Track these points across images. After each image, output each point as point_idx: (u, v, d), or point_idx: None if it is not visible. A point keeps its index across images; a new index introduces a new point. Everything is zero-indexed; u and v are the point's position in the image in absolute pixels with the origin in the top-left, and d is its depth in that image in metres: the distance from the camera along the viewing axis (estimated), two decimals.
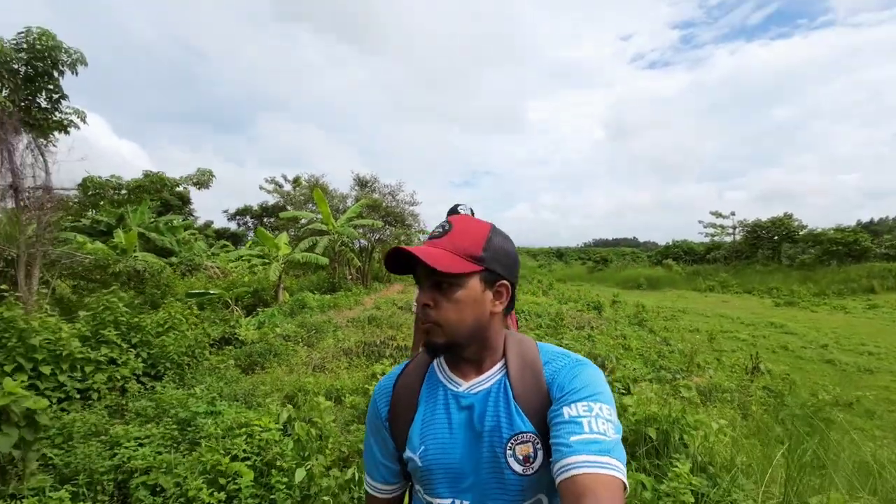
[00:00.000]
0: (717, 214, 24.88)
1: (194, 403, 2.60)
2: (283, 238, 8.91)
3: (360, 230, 11.65)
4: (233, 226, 28.70)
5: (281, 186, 22.68)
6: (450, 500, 0.81)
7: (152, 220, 13.56)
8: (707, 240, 25.90)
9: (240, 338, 4.90)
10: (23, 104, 6.87)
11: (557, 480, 0.69)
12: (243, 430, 2.18)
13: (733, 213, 24.61)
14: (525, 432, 0.79)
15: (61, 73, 7.00)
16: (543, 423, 0.79)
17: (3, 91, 6.58)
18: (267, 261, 10.49)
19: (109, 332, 3.26)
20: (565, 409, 0.74)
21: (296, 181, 22.13)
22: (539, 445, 0.78)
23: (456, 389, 0.86)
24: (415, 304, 2.56)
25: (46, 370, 2.72)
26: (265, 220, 24.80)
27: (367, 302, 8.73)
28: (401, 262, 0.84)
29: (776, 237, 23.06)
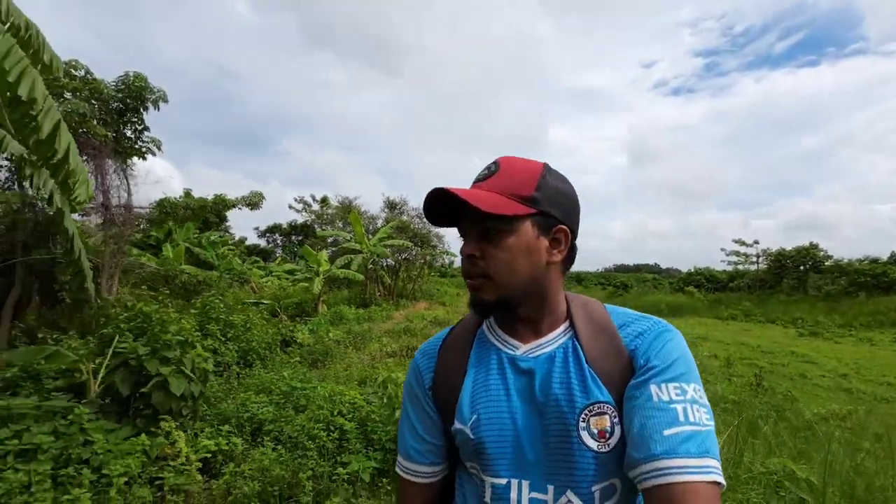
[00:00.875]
0: (741, 243, 25.04)
1: (289, 381, 3.40)
2: (324, 255, 9.84)
3: (390, 249, 12.56)
4: (262, 242, 30.19)
5: (309, 206, 24.05)
6: (506, 480, 0.71)
7: (196, 235, 14.78)
8: (730, 268, 26.00)
9: (298, 340, 5.72)
10: (113, 135, 8.10)
11: (646, 482, 0.60)
12: (337, 398, 2.95)
13: (757, 242, 24.73)
14: (602, 402, 0.69)
15: (146, 108, 8.25)
16: (620, 392, 0.70)
17: (101, 124, 7.82)
18: (292, 276, 11.39)
19: (213, 326, 4.11)
20: (654, 390, 0.65)
21: (323, 201, 23.44)
22: (617, 419, 0.68)
23: (513, 352, 0.77)
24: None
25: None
26: (293, 237, 26.13)
27: (396, 317, 9.50)
28: (441, 211, 0.75)
29: (801, 267, 23.08)
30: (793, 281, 23.17)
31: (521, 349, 0.76)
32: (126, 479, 2.05)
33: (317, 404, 2.95)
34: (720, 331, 17.94)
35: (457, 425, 0.75)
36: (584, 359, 0.72)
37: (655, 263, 51.16)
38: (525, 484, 0.70)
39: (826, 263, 22.67)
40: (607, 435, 0.67)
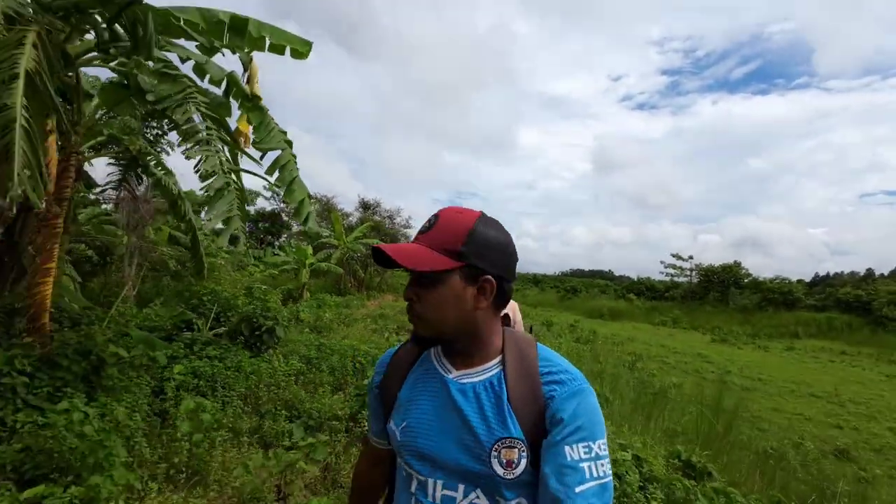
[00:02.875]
0: (678, 256, 28.75)
1: (308, 342, 5.47)
2: (310, 249, 11.65)
3: (363, 246, 14.54)
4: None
5: (278, 195, 25.34)
6: (424, 478, 0.86)
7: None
8: (668, 279, 29.74)
9: (301, 318, 7.70)
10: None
11: None
12: (352, 349, 5.05)
13: (691, 257, 28.49)
14: (514, 438, 0.80)
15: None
16: (533, 432, 0.80)
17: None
18: (280, 267, 13.14)
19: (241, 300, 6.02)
20: (567, 451, 0.77)
21: None
22: (525, 453, 0.80)
23: (446, 375, 0.89)
24: None
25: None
26: (260, 224, 27.16)
27: (369, 305, 11.56)
28: (386, 256, 0.84)
29: (725, 282, 26.92)
30: (717, 294, 26.94)
31: (454, 374, 0.88)
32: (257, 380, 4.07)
33: (341, 352, 5.04)
34: (648, 334, 21.04)
35: (390, 425, 0.92)
36: (505, 397, 0.82)
37: (609, 270, 55.42)
38: (439, 483, 0.84)
39: (745, 280, 26.61)
40: (514, 465, 0.79)
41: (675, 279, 29.32)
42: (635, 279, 34.19)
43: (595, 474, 0.76)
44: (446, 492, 0.84)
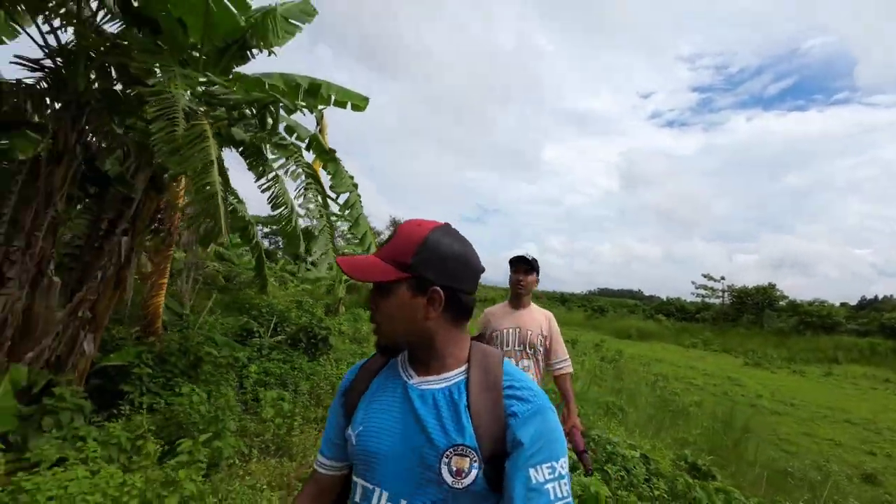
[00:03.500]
0: (709, 277, 28.44)
1: (353, 351, 6.18)
2: None
3: None
4: (266, 242, 32.66)
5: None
6: (371, 486, 0.86)
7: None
8: (699, 300, 29.37)
9: (342, 330, 8.51)
10: None
11: None
12: None
13: (723, 278, 28.15)
14: (467, 446, 0.81)
15: None
16: (490, 444, 0.82)
17: None
18: (318, 283, 14.05)
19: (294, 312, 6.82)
20: (532, 473, 0.79)
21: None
22: (476, 464, 0.81)
23: (408, 381, 0.91)
24: None
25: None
26: None
27: None
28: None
29: (759, 304, 26.42)
30: (751, 316, 26.42)
31: (415, 380, 0.90)
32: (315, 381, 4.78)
33: None
34: (678, 356, 20.86)
35: (348, 431, 0.93)
36: (464, 404, 0.84)
37: (639, 290, 54.68)
38: (384, 494, 0.84)
39: (780, 303, 26.05)
40: (463, 474, 0.80)
41: (707, 300, 28.95)
42: (665, 299, 33.85)
43: (559, 495, 0.79)
44: None
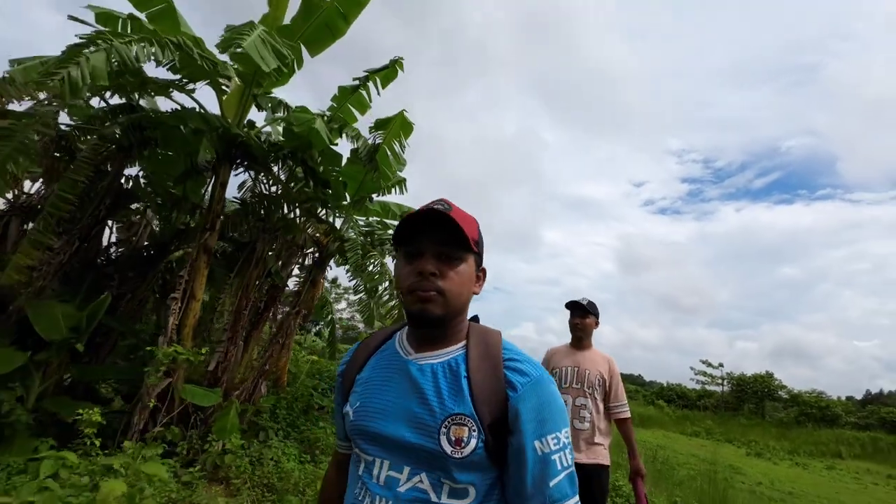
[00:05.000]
0: (707, 363, 29.46)
1: None
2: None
3: None
4: None
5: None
6: (372, 458, 0.90)
7: None
8: (699, 387, 30.11)
9: None
10: None
11: None
12: None
13: (721, 365, 29.15)
14: (465, 415, 0.84)
15: None
16: (491, 413, 0.85)
17: None
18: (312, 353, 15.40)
19: None
20: (537, 444, 0.84)
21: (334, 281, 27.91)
22: (475, 433, 0.84)
23: (406, 357, 0.95)
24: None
25: None
26: None
27: None
28: (406, 228, 0.93)
29: (759, 393, 27.26)
30: (752, 405, 27.10)
31: (413, 356, 0.95)
32: None
33: None
34: (680, 444, 21.19)
35: (346, 408, 0.98)
36: (463, 374, 0.88)
37: (639, 374, 54.69)
38: (385, 463, 0.88)
39: (780, 392, 26.93)
40: (462, 444, 0.82)
41: (707, 387, 29.71)
42: (665, 384, 34.40)
43: (564, 464, 0.85)
44: (391, 473, 0.87)
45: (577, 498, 0.87)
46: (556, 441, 0.85)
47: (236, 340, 4.86)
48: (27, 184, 5.34)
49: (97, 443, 3.14)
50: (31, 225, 5.24)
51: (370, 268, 4.93)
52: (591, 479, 2.81)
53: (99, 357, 4.84)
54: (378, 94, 5.03)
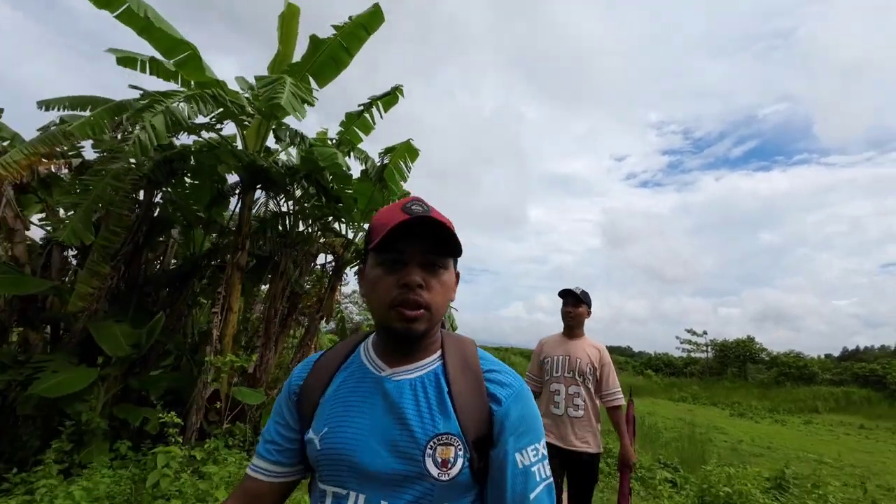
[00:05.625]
0: (692, 332, 31.04)
1: None
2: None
3: None
4: None
5: None
6: (346, 492, 0.80)
7: None
8: (685, 354, 31.78)
9: None
10: None
11: None
12: None
13: (705, 332, 30.75)
14: (451, 434, 0.79)
15: None
16: (474, 429, 0.81)
17: None
18: None
19: None
20: (517, 457, 0.82)
21: None
22: (461, 452, 0.79)
23: (378, 374, 0.87)
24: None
25: None
26: None
27: None
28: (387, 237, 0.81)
29: (742, 357, 28.95)
30: (735, 369, 28.79)
31: (387, 371, 0.86)
32: None
33: None
34: (668, 410, 22.62)
35: (309, 434, 0.86)
36: (446, 390, 0.83)
37: (628, 346, 56.65)
38: (361, 497, 0.79)
39: (761, 355, 28.63)
40: (449, 465, 0.77)
41: (693, 354, 31.35)
42: (653, 355, 36.06)
43: (543, 476, 0.84)
44: None
45: None
46: (535, 453, 0.85)
47: (269, 345, 5.57)
48: (61, 211, 5.88)
49: (179, 440, 3.84)
50: (71, 252, 5.82)
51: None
52: (581, 465, 2.94)
53: (147, 367, 5.50)
54: (381, 117, 5.67)
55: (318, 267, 6.52)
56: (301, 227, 6.06)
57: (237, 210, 5.51)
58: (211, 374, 4.82)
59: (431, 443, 0.79)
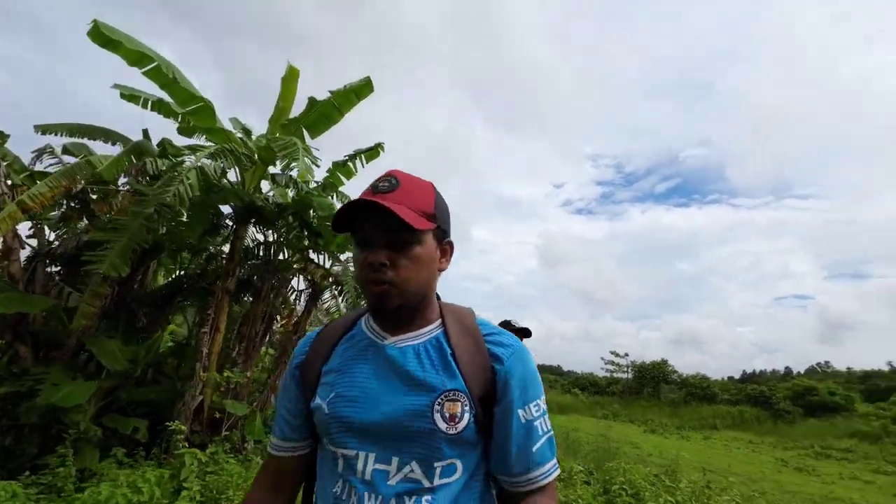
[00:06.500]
0: (615, 354, 33.93)
1: None
2: None
3: None
4: None
5: None
6: (354, 452, 0.86)
7: None
8: (608, 374, 34.59)
9: None
10: None
11: (521, 488, 0.88)
12: None
13: (626, 354, 33.71)
14: (457, 390, 0.85)
15: None
16: (478, 386, 0.87)
17: None
18: None
19: None
20: (521, 412, 0.87)
21: None
22: (468, 408, 0.85)
23: (381, 342, 0.93)
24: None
25: None
26: None
27: None
28: (344, 217, 0.87)
29: (656, 378, 32.00)
30: (650, 389, 31.75)
31: (390, 339, 0.92)
32: None
33: None
34: (591, 426, 24.57)
35: (316, 401, 0.92)
36: (448, 351, 0.89)
37: (558, 365, 59.82)
38: (371, 456, 0.84)
39: (673, 376, 31.84)
40: (457, 419, 0.83)
41: (615, 375, 34.20)
42: (580, 374, 38.83)
43: (545, 429, 0.90)
44: (378, 466, 0.84)
45: (555, 460, 0.92)
46: (537, 408, 0.90)
47: (249, 362, 6.31)
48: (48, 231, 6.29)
49: (186, 444, 4.56)
50: (55, 268, 6.22)
51: (363, 302, 6.60)
52: None
53: (144, 381, 6.03)
54: (363, 166, 6.70)
55: (296, 292, 7.32)
56: (282, 256, 6.87)
57: (229, 237, 6.26)
58: (199, 387, 5.51)
59: (440, 398, 0.84)
